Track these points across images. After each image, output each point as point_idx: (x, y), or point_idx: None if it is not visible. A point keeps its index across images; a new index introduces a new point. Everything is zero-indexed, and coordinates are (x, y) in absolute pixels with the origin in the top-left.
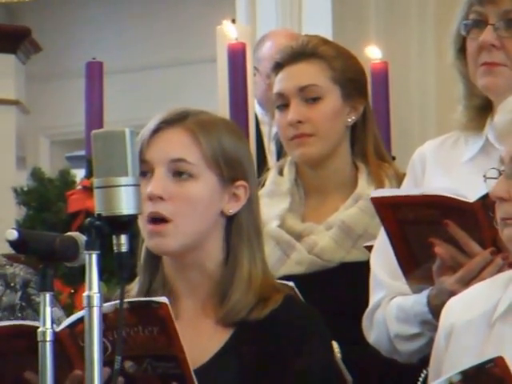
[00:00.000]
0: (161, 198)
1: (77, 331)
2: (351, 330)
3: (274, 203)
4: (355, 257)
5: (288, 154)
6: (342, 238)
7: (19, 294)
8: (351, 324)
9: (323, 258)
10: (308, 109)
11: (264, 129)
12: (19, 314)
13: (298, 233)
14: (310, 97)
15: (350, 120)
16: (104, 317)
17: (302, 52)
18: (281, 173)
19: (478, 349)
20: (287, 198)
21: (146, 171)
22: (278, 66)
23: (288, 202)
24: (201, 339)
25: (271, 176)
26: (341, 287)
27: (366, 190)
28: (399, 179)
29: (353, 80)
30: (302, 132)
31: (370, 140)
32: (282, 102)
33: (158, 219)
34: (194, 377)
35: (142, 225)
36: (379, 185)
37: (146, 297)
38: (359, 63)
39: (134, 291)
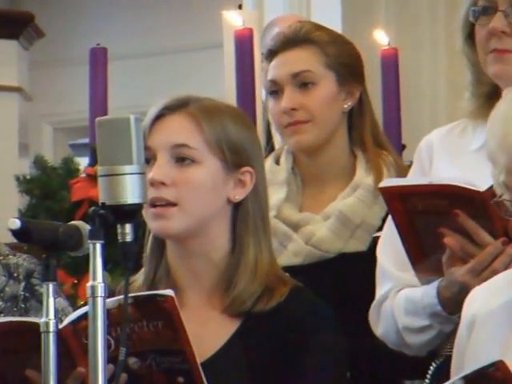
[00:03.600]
0: (163, 184)
1: (80, 328)
2: (350, 321)
3: (270, 193)
4: (353, 247)
5: (284, 143)
6: (340, 229)
7: (23, 284)
8: (350, 315)
9: (321, 248)
10: (302, 95)
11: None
12: (23, 305)
13: (295, 223)
14: (303, 83)
15: (346, 106)
16: (107, 312)
17: (294, 38)
18: (277, 162)
19: (501, 339)
20: (284, 187)
21: (149, 158)
22: (271, 54)
23: (285, 192)
24: (206, 331)
25: (267, 165)
26: (339, 278)
27: (364, 178)
28: (398, 167)
29: (348, 65)
30: (297, 119)
31: (367, 127)
32: (276, 89)
33: (161, 204)
34: (201, 371)
35: (145, 210)
36: (377, 173)
37: (151, 287)
38: (354, 48)
39: (139, 281)
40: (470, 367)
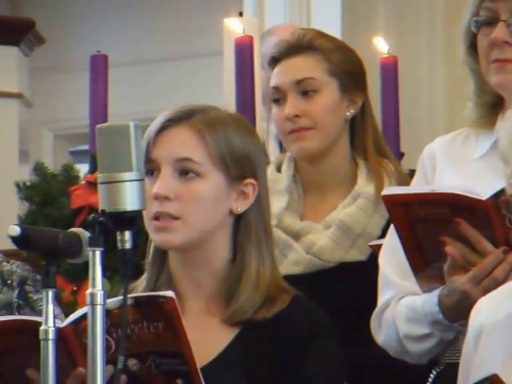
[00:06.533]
0: (167, 198)
1: (81, 328)
2: (350, 330)
3: (271, 201)
4: (354, 256)
5: (286, 149)
6: (341, 238)
7: (16, 291)
8: (350, 324)
9: (321, 257)
10: (305, 102)
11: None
12: (16, 313)
13: (296, 232)
14: (306, 90)
15: (348, 114)
16: (108, 313)
17: (298, 45)
18: (279, 169)
19: (505, 350)
20: (285, 195)
21: (152, 170)
22: (274, 60)
23: (286, 200)
24: (205, 338)
25: (269, 173)
26: (339, 287)
27: (365, 187)
28: (399, 176)
29: (350, 72)
30: (301, 126)
31: (369, 135)
32: (279, 96)
33: (165, 217)
34: (200, 373)
35: (147, 221)
36: (378, 182)
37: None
38: (357, 56)
39: (140, 288)
40: (475, 378)
